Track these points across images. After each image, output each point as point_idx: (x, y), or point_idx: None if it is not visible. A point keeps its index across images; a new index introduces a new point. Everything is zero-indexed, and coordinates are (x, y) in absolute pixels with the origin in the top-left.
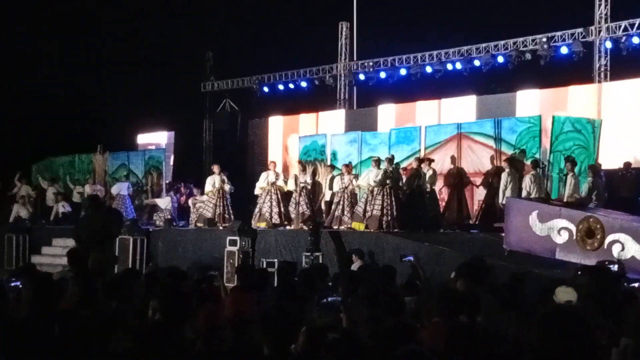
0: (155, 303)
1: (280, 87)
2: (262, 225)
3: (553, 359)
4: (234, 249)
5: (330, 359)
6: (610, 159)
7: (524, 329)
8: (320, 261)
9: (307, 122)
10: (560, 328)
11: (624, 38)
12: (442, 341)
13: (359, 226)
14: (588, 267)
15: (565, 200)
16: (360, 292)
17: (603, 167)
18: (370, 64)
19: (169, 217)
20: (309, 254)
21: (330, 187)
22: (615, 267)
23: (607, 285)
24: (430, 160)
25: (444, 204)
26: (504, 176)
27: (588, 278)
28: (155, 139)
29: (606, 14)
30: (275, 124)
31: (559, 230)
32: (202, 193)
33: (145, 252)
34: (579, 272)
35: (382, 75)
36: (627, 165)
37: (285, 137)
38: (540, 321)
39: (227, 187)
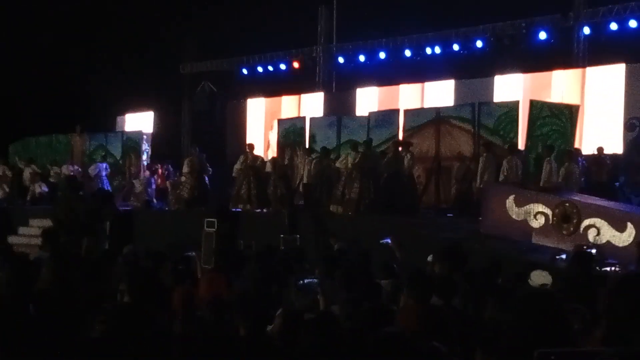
0: (123, 286)
1: (260, 69)
2: (240, 206)
3: (527, 342)
4: (212, 230)
5: (307, 339)
6: (592, 145)
7: (500, 312)
8: (298, 244)
9: (290, 105)
10: (534, 311)
11: (602, 24)
12: (414, 323)
13: (337, 209)
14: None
15: (541, 185)
16: (337, 275)
17: (585, 152)
18: (350, 47)
19: (146, 198)
20: (286, 236)
21: (309, 170)
22: (594, 251)
23: (583, 270)
24: (409, 144)
25: (421, 187)
26: (481, 160)
27: (567, 262)
28: (140, 119)
29: (584, 0)
30: (255, 106)
31: (535, 214)
32: (180, 174)
33: (122, 233)
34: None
35: (362, 58)
36: (600, 150)
37: (268, 119)
38: (514, 304)
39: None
